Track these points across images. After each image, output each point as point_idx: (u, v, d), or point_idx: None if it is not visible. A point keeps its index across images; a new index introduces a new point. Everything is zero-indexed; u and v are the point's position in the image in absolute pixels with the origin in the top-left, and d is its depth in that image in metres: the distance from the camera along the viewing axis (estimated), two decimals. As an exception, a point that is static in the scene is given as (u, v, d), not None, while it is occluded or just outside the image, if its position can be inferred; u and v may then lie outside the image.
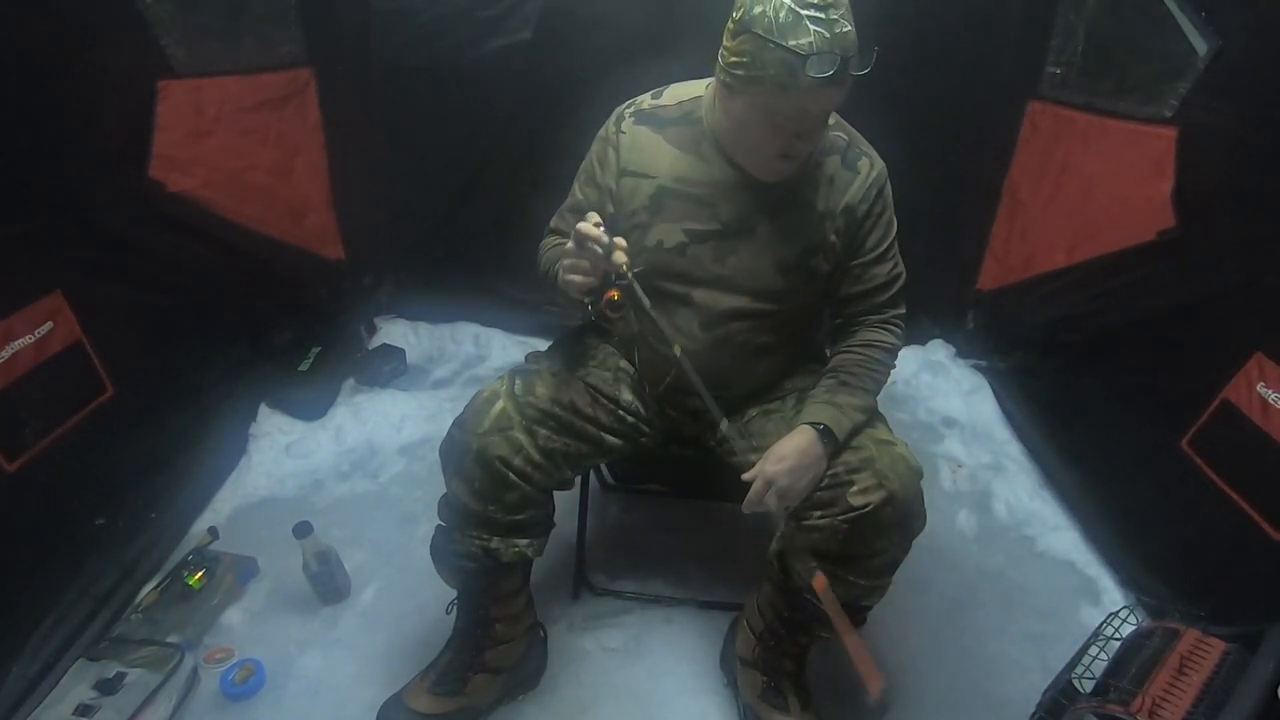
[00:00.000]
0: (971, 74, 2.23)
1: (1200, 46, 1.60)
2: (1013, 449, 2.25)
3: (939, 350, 2.62)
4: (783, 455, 1.12)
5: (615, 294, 1.05)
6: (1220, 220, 1.57)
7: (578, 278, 1.07)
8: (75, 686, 1.34)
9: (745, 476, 1.15)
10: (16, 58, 1.32)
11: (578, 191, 1.29)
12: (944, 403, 2.45)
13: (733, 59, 1.02)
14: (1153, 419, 1.67)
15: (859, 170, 1.19)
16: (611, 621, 1.61)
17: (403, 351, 2.50)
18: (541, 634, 1.50)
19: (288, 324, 2.24)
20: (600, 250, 1.02)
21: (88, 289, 1.48)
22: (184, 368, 1.83)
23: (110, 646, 1.43)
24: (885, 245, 1.23)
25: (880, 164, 1.22)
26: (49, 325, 1.39)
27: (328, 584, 1.60)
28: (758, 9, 0.97)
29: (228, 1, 1.81)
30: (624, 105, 1.26)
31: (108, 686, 1.33)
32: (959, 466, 2.19)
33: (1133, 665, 1.24)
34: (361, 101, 2.28)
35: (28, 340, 1.35)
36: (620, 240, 1.03)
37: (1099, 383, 1.93)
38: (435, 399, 2.34)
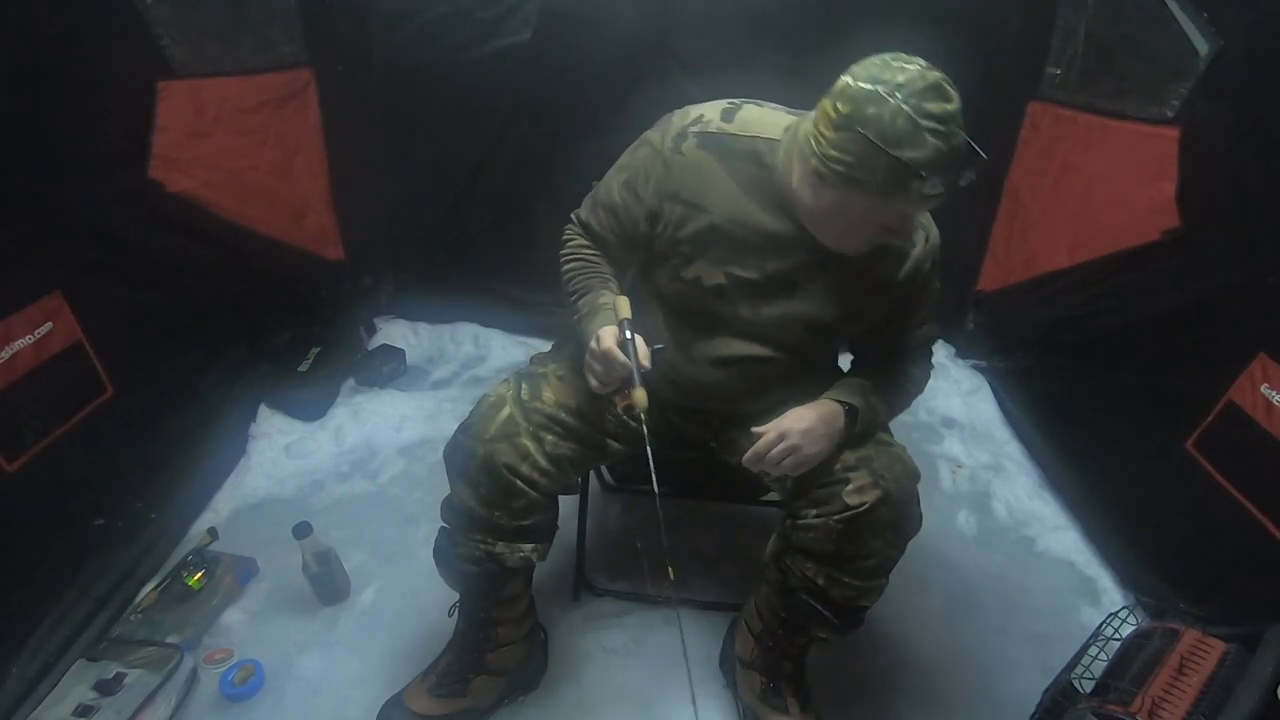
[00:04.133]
0: (971, 74, 2.20)
1: (1201, 46, 1.60)
2: (1012, 449, 2.25)
3: (939, 350, 2.61)
4: (803, 415, 1.10)
5: (629, 404, 1.07)
6: (1223, 221, 1.57)
7: (595, 381, 1.11)
8: (75, 687, 1.34)
9: (758, 429, 1.12)
10: (17, 58, 1.32)
11: (615, 192, 1.18)
12: (944, 403, 2.45)
13: (833, 153, 0.93)
14: (1155, 420, 1.67)
15: (915, 243, 1.14)
16: (612, 622, 1.61)
17: (402, 352, 2.50)
18: (542, 635, 1.50)
19: (287, 324, 2.24)
20: (620, 374, 1.06)
21: (87, 289, 1.48)
22: (184, 368, 1.83)
23: (110, 647, 1.43)
24: (926, 311, 1.21)
25: (935, 234, 1.16)
26: (48, 326, 1.39)
27: (327, 585, 1.60)
28: (871, 109, 0.88)
29: (228, 2, 1.81)
30: (686, 118, 1.11)
31: (107, 687, 1.33)
32: (959, 467, 2.19)
33: (1132, 665, 1.24)
34: (361, 102, 2.27)
35: (27, 341, 1.34)
36: (640, 390, 1.04)
37: (1099, 384, 1.93)
38: (435, 399, 2.34)
